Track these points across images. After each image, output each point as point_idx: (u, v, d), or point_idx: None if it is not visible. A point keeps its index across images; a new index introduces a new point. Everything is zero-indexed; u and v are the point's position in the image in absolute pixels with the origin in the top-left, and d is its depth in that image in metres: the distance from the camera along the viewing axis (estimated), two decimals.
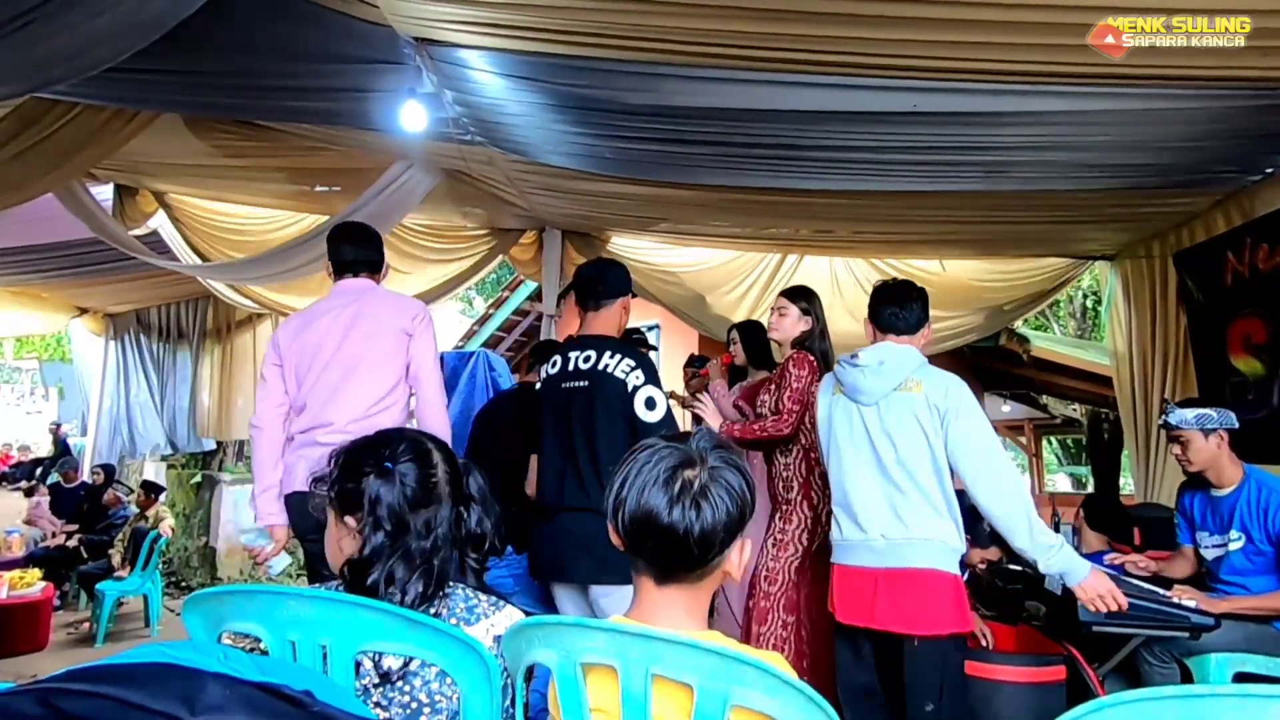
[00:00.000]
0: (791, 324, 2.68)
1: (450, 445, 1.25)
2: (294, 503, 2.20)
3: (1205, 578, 2.56)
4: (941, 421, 2.05)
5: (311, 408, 2.22)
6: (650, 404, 2.19)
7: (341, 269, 2.36)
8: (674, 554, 0.95)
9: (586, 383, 2.25)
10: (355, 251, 2.36)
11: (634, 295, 2.53)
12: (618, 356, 2.24)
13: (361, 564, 1.09)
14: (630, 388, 2.19)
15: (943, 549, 2.03)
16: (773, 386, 2.66)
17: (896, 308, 2.18)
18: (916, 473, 2.05)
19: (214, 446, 6.89)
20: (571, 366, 2.31)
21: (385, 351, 2.23)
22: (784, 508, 2.58)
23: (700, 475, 0.95)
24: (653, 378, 2.23)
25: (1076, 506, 3.63)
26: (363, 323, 2.24)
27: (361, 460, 1.14)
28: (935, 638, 1.97)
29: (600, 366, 2.24)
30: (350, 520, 1.12)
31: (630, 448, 2.09)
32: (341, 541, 1.14)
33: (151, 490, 5.64)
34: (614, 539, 1.00)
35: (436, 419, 2.26)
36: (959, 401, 2.05)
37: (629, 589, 1.98)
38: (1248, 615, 2.31)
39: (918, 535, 2.02)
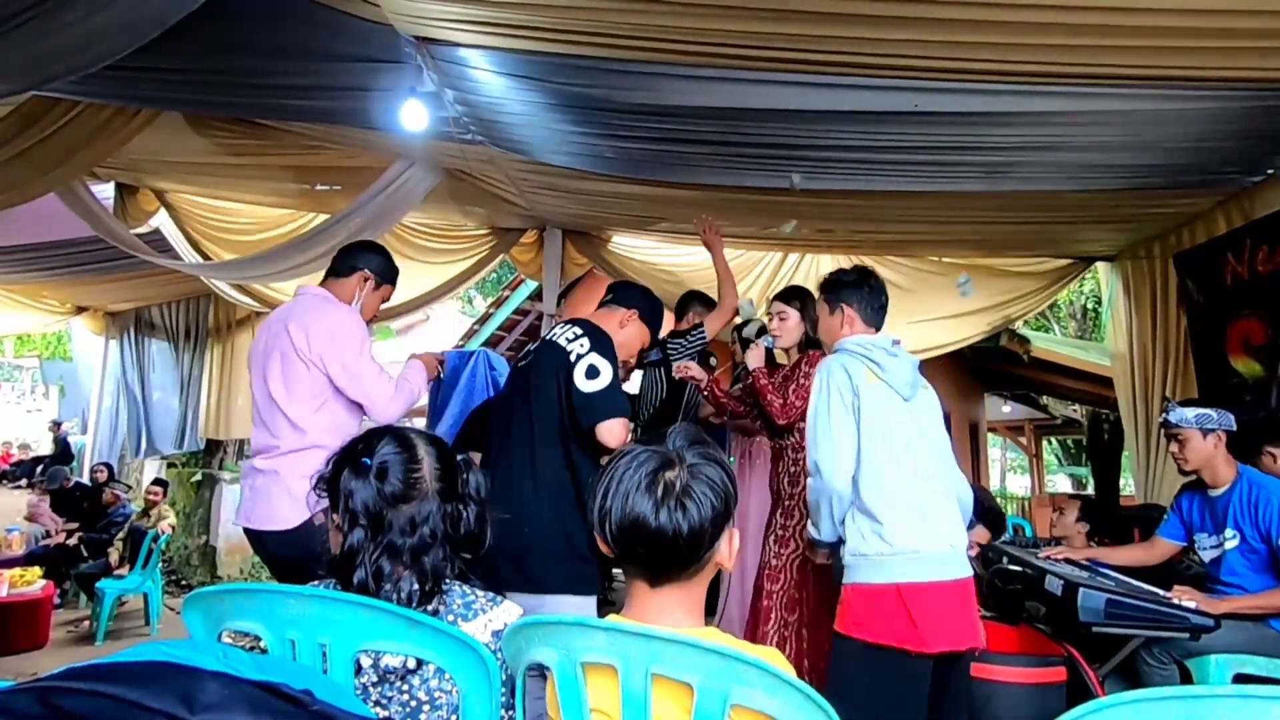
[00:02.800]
0: (795, 326, 2.69)
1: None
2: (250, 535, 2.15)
3: (1204, 579, 2.57)
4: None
5: (254, 429, 2.18)
6: (591, 372, 1.92)
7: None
8: (665, 556, 0.96)
9: (533, 358, 2.07)
10: (333, 260, 2.32)
11: (650, 326, 2.29)
12: (569, 327, 2.04)
13: (342, 561, 1.10)
14: (573, 356, 1.94)
15: None
16: (789, 383, 2.65)
17: (885, 299, 2.09)
18: (952, 473, 1.96)
19: (201, 447, 6.89)
20: (535, 345, 2.15)
21: (297, 381, 2.09)
22: (786, 503, 2.57)
23: (681, 475, 0.96)
24: (600, 347, 1.97)
25: (1053, 508, 3.60)
26: (280, 345, 2.11)
27: (344, 458, 1.15)
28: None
29: (549, 338, 2.06)
30: (335, 517, 1.13)
31: (565, 435, 1.90)
32: (334, 539, 1.14)
33: (163, 485, 5.72)
34: (601, 547, 1.00)
35: (366, 396, 2.13)
36: None
37: (557, 601, 1.88)
38: (1247, 615, 2.32)
39: (963, 541, 1.91)
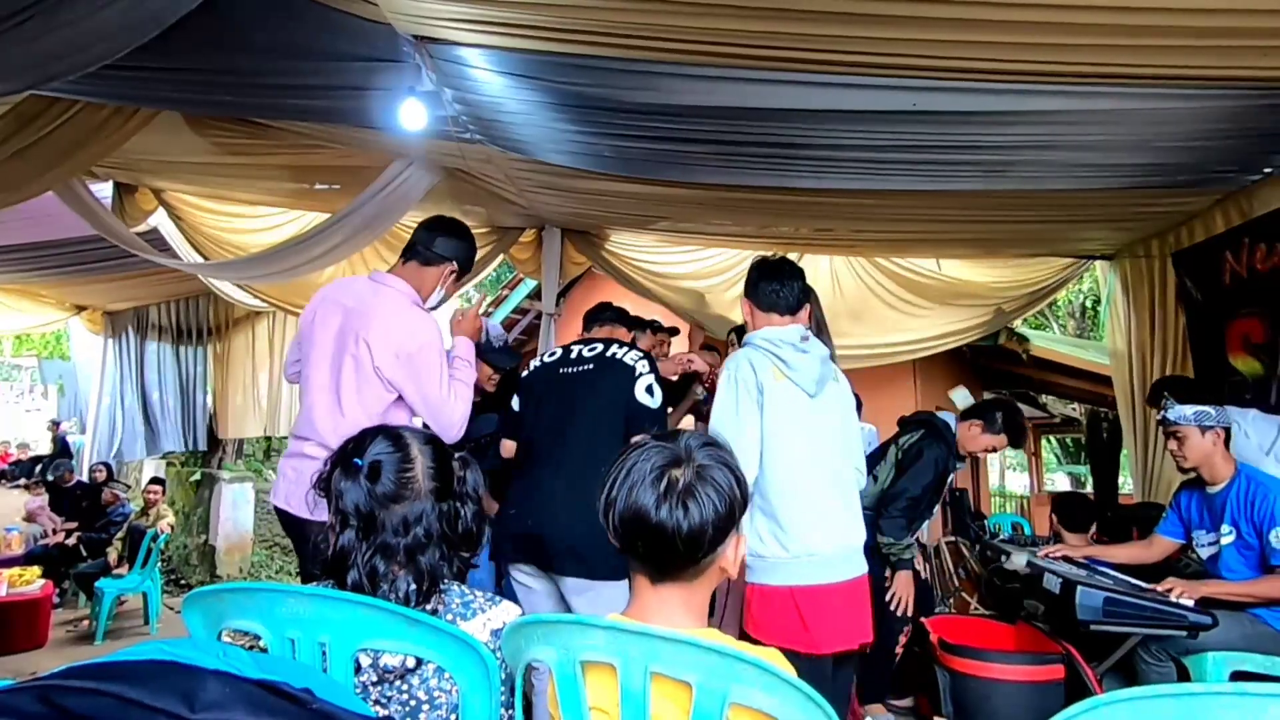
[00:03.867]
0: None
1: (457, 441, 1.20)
2: (280, 513, 2.08)
3: (1202, 577, 2.58)
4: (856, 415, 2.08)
5: (304, 412, 2.05)
6: (650, 390, 2.23)
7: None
8: (665, 553, 0.95)
9: (592, 367, 2.30)
10: (417, 234, 2.17)
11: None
12: (626, 348, 2.34)
13: (334, 561, 1.09)
14: (636, 372, 2.26)
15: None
16: None
17: (779, 284, 2.04)
18: (855, 469, 2.03)
19: (203, 447, 6.89)
20: (575, 355, 2.37)
21: (376, 372, 1.99)
22: None
23: (688, 474, 0.95)
24: (655, 371, 2.30)
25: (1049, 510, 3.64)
26: (358, 351, 1.99)
27: (338, 458, 1.14)
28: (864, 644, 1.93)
29: (608, 354, 2.32)
30: (331, 517, 1.13)
31: (622, 440, 2.07)
32: (331, 538, 1.14)
33: (160, 484, 5.76)
34: (610, 537, 1.00)
35: (438, 424, 2.04)
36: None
37: (608, 586, 1.97)
38: (1235, 604, 2.32)
39: (860, 539, 1.97)
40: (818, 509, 1.87)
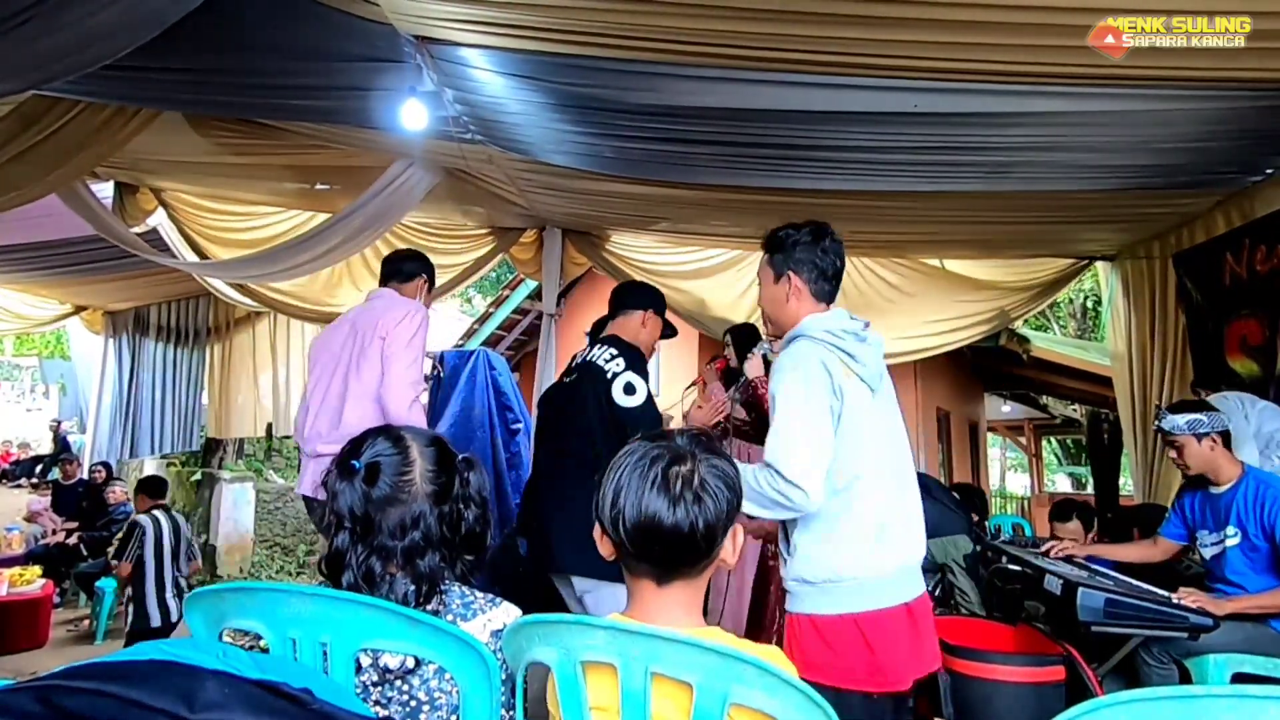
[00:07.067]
0: None
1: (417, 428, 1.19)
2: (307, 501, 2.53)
3: (1205, 578, 2.58)
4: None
5: (311, 417, 2.43)
6: (629, 389, 2.17)
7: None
8: (680, 553, 0.96)
9: (576, 376, 2.33)
10: (386, 268, 2.66)
11: (661, 314, 2.47)
12: (603, 347, 2.31)
13: (330, 562, 1.09)
14: (610, 374, 2.21)
15: None
16: None
17: (836, 259, 1.72)
18: (913, 469, 1.76)
19: (200, 448, 6.89)
20: (571, 364, 2.42)
21: (371, 362, 2.35)
22: None
23: (694, 468, 0.96)
24: (634, 365, 2.22)
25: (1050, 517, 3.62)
26: (354, 333, 2.41)
27: (339, 457, 1.13)
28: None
29: (588, 360, 2.31)
30: (327, 517, 1.12)
31: (609, 445, 1.97)
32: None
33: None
34: (606, 547, 1.00)
35: (392, 406, 2.29)
36: None
37: (610, 586, 1.99)
38: (1249, 614, 2.32)
39: (920, 553, 1.67)
40: (883, 524, 1.57)
